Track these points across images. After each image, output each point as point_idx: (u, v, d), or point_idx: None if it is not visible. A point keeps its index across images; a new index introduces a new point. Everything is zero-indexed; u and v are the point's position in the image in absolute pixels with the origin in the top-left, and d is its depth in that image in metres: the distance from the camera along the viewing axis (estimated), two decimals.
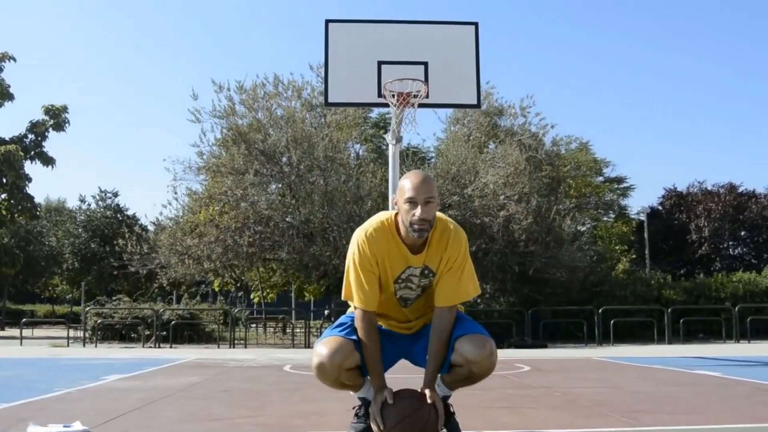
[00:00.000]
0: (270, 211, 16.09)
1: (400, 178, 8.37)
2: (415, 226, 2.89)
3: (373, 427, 2.91)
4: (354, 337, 3.02)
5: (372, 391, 3.03)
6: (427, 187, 2.91)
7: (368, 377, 3.10)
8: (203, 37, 78.42)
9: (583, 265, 17.56)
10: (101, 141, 79.92)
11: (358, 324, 3.02)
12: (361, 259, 3.00)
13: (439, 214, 3.06)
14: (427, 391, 2.93)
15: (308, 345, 15.40)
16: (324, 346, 2.97)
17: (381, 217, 3.09)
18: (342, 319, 3.21)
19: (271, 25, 78.08)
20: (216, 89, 16.30)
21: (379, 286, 3.05)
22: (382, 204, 14.35)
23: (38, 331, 23.39)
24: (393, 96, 8.48)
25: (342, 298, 3.13)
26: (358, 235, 3.03)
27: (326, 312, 23.27)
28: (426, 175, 3.02)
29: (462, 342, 2.96)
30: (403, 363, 3.33)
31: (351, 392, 3.22)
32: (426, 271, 3.06)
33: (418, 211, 2.86)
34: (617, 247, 23.75)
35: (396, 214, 3.02)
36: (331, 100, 9.12)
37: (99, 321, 16.53)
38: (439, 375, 3.08)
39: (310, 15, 70.48)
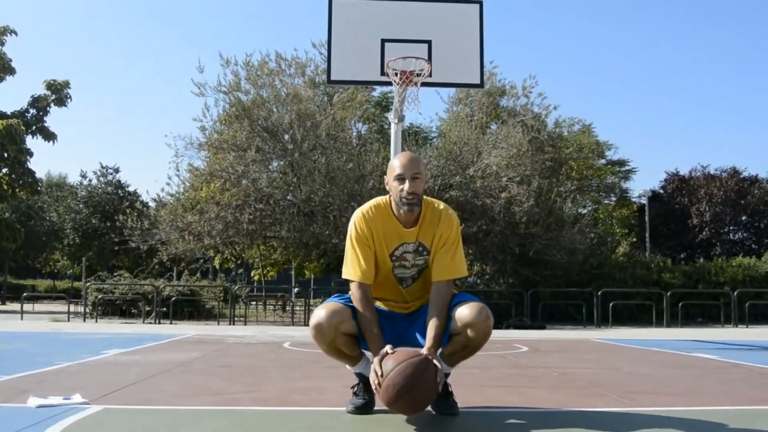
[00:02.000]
0: (271, 189, 16.07)
1: None
2: (404, 200, 3.10)
3: (372, 378, 2.92)
4: (352, 305, 3.14)
5: (369, 367, 3.07)
6: (414, 164, 3.16)
7: (365, 352, 3.17)
8: (206, 14, 77.93)
9: (584, 247, 17.57)
10: (103, 116, 79.79)
11: (354, 297, 3.14)
12: (358, 235, 3.18)
13: (430, 198, 3.27)
14: (425, 349, 2.95)
15: (307, 323, 15.41)
16: (322, 309, 3.11)
17: (377, 199, 3.29)
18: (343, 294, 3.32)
19: (276, 1, 77.49)
20: (223, 63, 16.26)
21: (375, 263, 3.18)
22: (383, 183, 14.32)
23: (39, 306, 23.48)
24: (396, 74, 8.41)
25: (343, 277, 3.23)
26: (356, 216, 3.23)
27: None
28: (413, 154, 3.28)
29: (458, 309, 3.07)
30: None
31: (347, 366, 3.27)
32: (420, 248, 3.20)
33: (406, 186, 3.10)
34: (618, 230, 23.75)
35: (390, 197, 3.21)
36: (334, 77, 9.05)
37: (99, 296, 16.59)
38: (438, 350, 3.11)
39: None
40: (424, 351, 2.94)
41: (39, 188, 24.89)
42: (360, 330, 3.10)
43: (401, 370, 2.80)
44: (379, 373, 2.86)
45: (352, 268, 3.16)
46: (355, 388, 3.32)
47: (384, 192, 3.32)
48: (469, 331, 3.02)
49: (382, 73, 8.52)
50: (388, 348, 2.95)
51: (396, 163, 3.18)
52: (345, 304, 3.15)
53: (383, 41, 8.57)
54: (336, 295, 3.30)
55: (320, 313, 3.07)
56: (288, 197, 16.34)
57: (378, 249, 3.18)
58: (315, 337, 3.09)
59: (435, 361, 2.91)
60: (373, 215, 3.19)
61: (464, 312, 3.03)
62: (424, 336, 3.08)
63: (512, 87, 18.78)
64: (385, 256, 3.19)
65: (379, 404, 3.09)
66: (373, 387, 2.95)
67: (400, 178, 3.11)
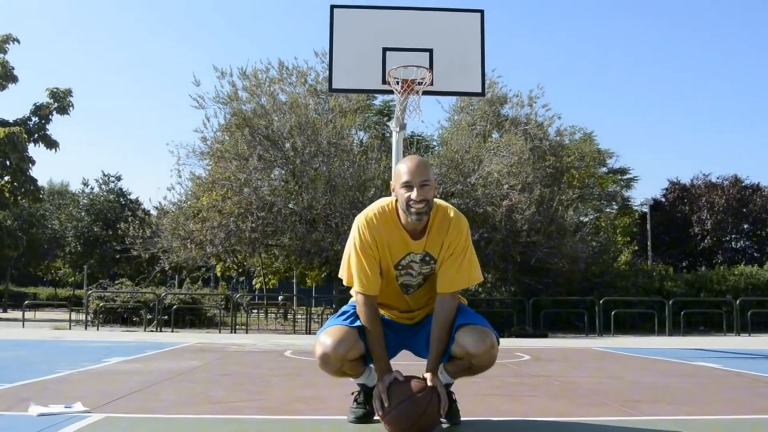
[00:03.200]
0: (273, 197, 16.08)
1: None
2: (412, 209, 2.90)
3: (376, 405, 2.90)
4: (357, 324, 3.01)
5: (373, 377, 3.05)
6: (423, 170, 2.93)
7: (371, 365, 3.10)
8: (209, 21, 78.20)
9: (585, 255, 17.54)
10: (105, 124, 79.97)
11: (360, 309, 3.01)
12: (362, 244, 3.00)
13: (440, 201, 3.08)
14: (428, 375, 2.92)
15: (309, 331, 15.45)
16: (328, 337, 2.96)
17: (382, 202, 3.09)
18: (345, 308, 3.21)
19: (277, 9, 77.83)
20: (218, 75, 16.30)
21: (380, 272, 3.04)
22: (384, 191, 14.34)
23: (40, 314, 23.50)
24: (397, 83, 8.44)
25: (344, 284, 3.13)
26: (359, 221, 3.04)
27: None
28: (421, 159, 3.04)
29: (463, 333, 2.96)
30: (403, 352, 3.33)
31: (351, 378, 3.23)
32: (427, 258, 3.05)
33: (414, 194, 2.88)
34: (619, 239, 23.72)
35: (396, 201, 3.02)
36: (335, 86, 9.08)
37: (101, 304, 16.57)
38: (441, 364, 3.07)
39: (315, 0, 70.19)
40: (428, 379, 2.89)
41: (41, 196, 24.93)
42: (366, 347, 3.01)
43: (404, 408, 2.80)
44: (385, 404, 2.83)
45: (357, 279, 2.99)
46: (356, 395, 3.27)
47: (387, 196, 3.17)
48: (472, 360, 2.96)
49: (384, 82, 8.55)
50: (394, 375, 2.90)
51: (403, 169, 2.94)
52: (349, 325, 3.01)
53: (384, 50, 8.60)
54: (339, 314, 3.16)
55: (326, 341, 2.94)
56: (290, 205, 16.35)
57: (382, 258, 3.02)
58: (322, 367, 2.98)
59: (439, 390, 2.88)
60: (378, 223, 2.99)
61: (468, 340, 2.92)
62: (428, 348, 3.04)
63: (516, 95, 18.84)
64: (390, 265, 3.05)
65: None
66: (377, 415, 2.93)
67: (408, 186, 2.89)
